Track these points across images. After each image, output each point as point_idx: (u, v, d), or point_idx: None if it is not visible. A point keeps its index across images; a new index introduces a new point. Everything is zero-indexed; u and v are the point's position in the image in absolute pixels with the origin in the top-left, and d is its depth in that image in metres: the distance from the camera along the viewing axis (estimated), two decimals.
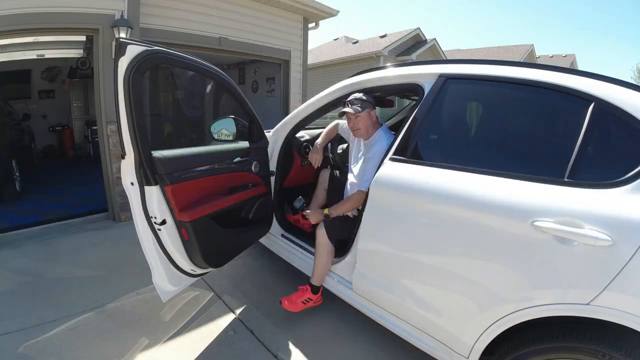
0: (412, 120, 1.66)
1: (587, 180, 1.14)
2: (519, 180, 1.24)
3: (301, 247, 2.28)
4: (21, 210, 3.84)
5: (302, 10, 5.53)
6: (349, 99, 1.96)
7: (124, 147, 1.53)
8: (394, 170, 1.61)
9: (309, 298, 2.04)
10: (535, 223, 1.14)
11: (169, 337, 1.92)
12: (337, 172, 2.48)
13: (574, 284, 1.09)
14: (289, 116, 2.40)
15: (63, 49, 5.66)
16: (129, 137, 1.49)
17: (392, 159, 1.65)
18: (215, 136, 2.10)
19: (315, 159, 2.37)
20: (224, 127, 2.09)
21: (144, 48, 1.47)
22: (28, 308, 2.11)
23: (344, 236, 1.95)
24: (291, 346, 1.89)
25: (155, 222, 1.63)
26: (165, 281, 1.77)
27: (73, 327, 1.96)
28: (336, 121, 2.43)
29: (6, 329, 1.92)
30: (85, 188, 4.80)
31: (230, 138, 2.09)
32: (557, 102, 1.35)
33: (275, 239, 2.49)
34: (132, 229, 1.75)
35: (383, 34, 14.35)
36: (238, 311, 2.18)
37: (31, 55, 5.62)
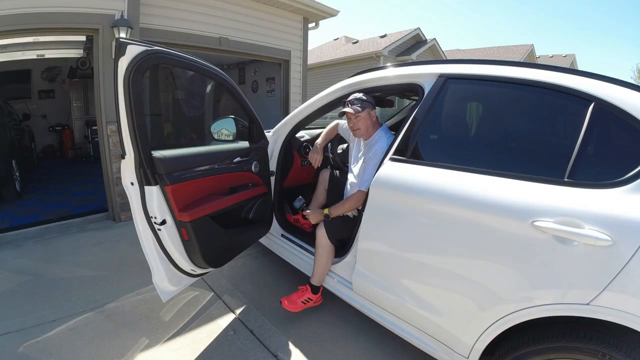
0: (412, 120, 1.66)
1: (587, 180, 1.14)
2: (519, 180, 1.24)
3: (301, 247, 2.28)
4: (21, 210, 3.85)
5: (302, 10, 5.52)
6: (348, 99, 1.96)
7: (124, 147, 1.53)
8: (394, 170, 1.61)
9: (309, 298, 2.04)
10: (535, 223, 1.14)
11: (169, 337, 1.92)
12: (337, 172, 2.48)
13: (574, 284, 1.09)
14: (289, 116, 2.40)
15: (63, 49, 5.67)
16: (129, 137, 1.49)
17: (392, 159, 1.65)
18: (215, 136, 2.10)
19: (315, 159, 2.37)
20: (224, 127, 2.09)
21: (144, 48, 1.47)
22: (28, 308, 2.11)
23: (344, 236, 1.95)
24: (291, 346, 1.89)
25: (155, 222, 1.63)
26: (165, 281, 1.77)
27: (73, 327, 1.96)
28: (336, 121, 2.42)
29: (6, 329, 1.92)
30: (85, 188, 4.80)
31: (230, 138, 2.09)
32: (557, 102, 1.35)
33: (275, 239, 2.49)
34: (132, 229, 1.75)
35: (383, 34, 14.35)
36: (238, 311, 2.18)
37: (31, 55, 5.63)
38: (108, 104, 3.44)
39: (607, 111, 1.18)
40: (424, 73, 1.74)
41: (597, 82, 1.25)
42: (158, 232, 1.67)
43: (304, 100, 5.76)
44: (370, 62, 12.09)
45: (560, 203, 1.13)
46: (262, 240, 2.55)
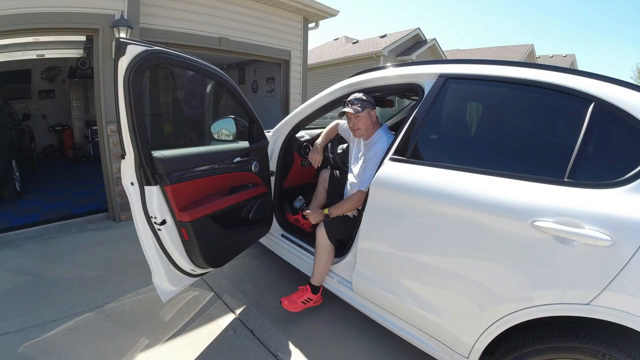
0: (412, 120, 1.66)
1: (587, 180, 1.14)
2: (519, 180, 1.24)
3: (301, 247, 2.28)
4: (21, 210, 3.85)
5: (302, 10, 5.52)
6: (349, 99, 1.96)
7: (124, 147, 1.53)
8: (394, 170, 1.61)
9: (309, 298, 2.04)
10: (535, 223, 1.14)
11: (169, 337, 1.92)
12: (337, 172, 2.48)
13: (574, 284, 1.09)
14: (289, 116, 2.40)
15: (63, 49, 5.67)
16: (129, 137, 1.49)
17: (392, 159, 1.65)
18: (215, 136, 2.10)
19: (315, 159, 2.37)
20: (224, 127, 2.09)
21: (144, 48, 1.47)
22: (28, 308, 2.11)
23: (344, 236, 1.95)
24: (291, 346, 1.89)
25: (155, 222, 1.63)
26: (165, 281, 1.77)
27: (73, 327, 1.96)
28: (336, 121, 2.43)
29: (6, 329, 1.92)
30: (85, 188, 4.80)
31: (230, 138, 2.09)
32: (557, 102, 1.35)
33: (275, 239, 2.49)
34: (132, 229, 1.75)
35: (383, 34, 14.35)
36: (238, 311, 2.18)
37: (31, 55, 5.63)
38: (108, 104, 3.44)
39: (607, 111, 1.18)
40: (424, 73, 1.74)
41: (597, 82, 1.25)
42: (158, 232, 1.66)
43: (304, 100, 5.76)
44: (370, 62, 12.09)
45: (560, 203, 1.13)
46: (262, 240, 2.55)
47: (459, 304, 1.39)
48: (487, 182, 1.31)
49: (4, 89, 6.29)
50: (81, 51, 5.98)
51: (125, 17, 3.47)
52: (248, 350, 1.84)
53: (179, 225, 1.68)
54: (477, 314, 1.31)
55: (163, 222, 1.63)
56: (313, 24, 6.07)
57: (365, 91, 2.00)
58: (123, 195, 3.16)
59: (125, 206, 3.46)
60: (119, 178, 2.70)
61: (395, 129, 1.89)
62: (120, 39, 1.42)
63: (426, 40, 13.54)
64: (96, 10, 3.34)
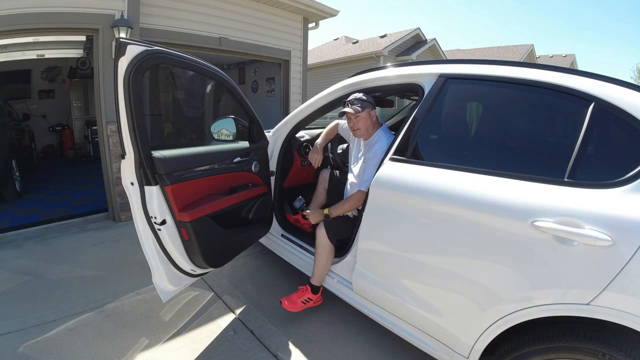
0: (412, 120, 1.66)
1: (587, 180, 1.14)
2: (519, 180, 1.24)
3: (301, 247, 2.28)
4: (21, 210, 3.85)
5: (302, 10, 5.52)
6: (348, 99, 1.96)
7: (124, 147, 1.53)
8: (394, 170, 1.61)
9: (309, 298, 2.04)
10: (535, 223, 1.14)
11: (169, 337, 1.92)
12: (337, 172, 2.48)
13: (574, 284, 1.09)
14: (289, 116, 2.40)
15: (63, 49, 5.67)
16: (129, 137, 1.49)
17: (392, 159, 1.65)
18: (215, 136, 2.11)
19: (315, 159, 2.37)
20: (224, 127, 2.09)
21: (144, 48, 1.47)
22: (28, 308, 2.11)
23: (344, 236, 1.95)
24: (291, 346, 1.89)
25: (155, 222, 1.63)
26: (165, 281, 1.77)
27: (73, 327, 1.96)
28: (336, 121, 2.43)
29: (6, 329, 1.92)
30: (85, 188, 4.80)
31: (230, 138, 2.09)
32: (557, 102, 1.35)
33: (275, 239, 2.49)
34: (132, 229, 1.75)
35: (383, 34, 14.35)
36: (238, 311, 2.18)
37: (31, 55, 5.63)
38: (108, 104, 3.44)
39: (607, 111, 1.18)
40: (424, 73, 1.74)
41: (597, 82, 1.25)
42: (158, 232, 1.67)
43: (304, 100, 5.76)
44: (370, 62, 12.09)
45: (560, 203, 1.13)
46: (262, 240, 2.55)
47: (459, 304, 1.39)
48: (487, 182, 1.31)
49: (4, 89, 6.30)
50: (81, 51, 5.98)
51: (125, 17, 3.47)
52: (248, 350, 1.84)
53: (179, 225, 1.68)
54: (477, 314, 1.31)
55: (163, 222, 1.63)
56: (313, 24, 6.07)
57: (365, 91, 2.00)
58: (123, 195, 3.16)
59: (125, 206, 3.46)
60: (119, 178, 2.70)
61: (395, 129, 1.89)
62: (120, 39, 1.42)
63: (426, 40, 13.54)
64: (96, 10, 3.34)
